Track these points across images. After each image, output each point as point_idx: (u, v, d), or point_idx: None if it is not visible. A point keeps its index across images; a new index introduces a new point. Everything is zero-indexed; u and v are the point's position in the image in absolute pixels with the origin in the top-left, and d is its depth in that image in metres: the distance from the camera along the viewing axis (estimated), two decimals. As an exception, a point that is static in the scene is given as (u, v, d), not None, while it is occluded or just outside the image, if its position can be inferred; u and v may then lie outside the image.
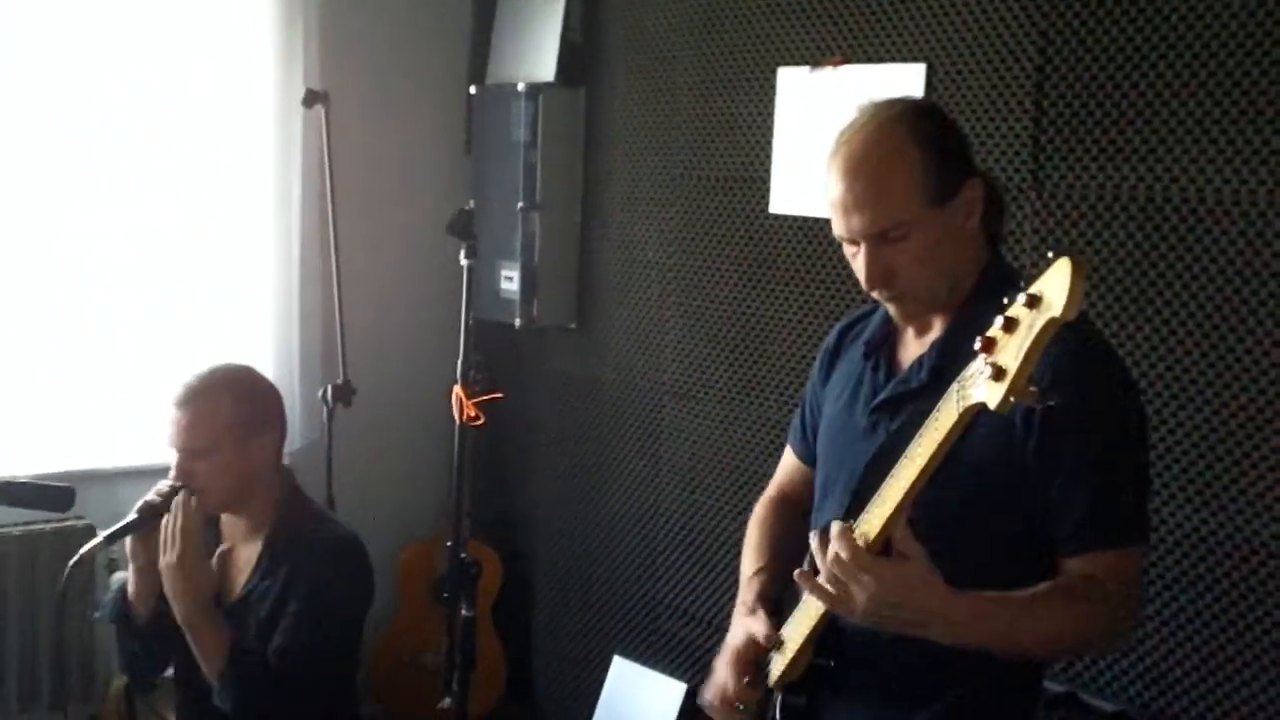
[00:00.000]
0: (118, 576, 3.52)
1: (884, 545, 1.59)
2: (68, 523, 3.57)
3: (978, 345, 1.39)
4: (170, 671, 2.69)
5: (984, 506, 1.74)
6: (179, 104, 3.77)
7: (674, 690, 3.70)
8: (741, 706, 1.94)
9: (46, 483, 2.02)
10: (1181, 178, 2.60)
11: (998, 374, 1.36)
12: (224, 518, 2.59)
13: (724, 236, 3.58)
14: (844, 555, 1.57)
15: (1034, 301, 1.33)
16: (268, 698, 2.42)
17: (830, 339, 2.11)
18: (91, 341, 3.72)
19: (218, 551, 2.58)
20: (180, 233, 3.83)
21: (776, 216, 3.40)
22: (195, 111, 3.79)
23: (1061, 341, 1.40)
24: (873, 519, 1.59)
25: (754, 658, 1.95)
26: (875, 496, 1.61)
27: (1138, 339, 2.69)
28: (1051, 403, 1.39)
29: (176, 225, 3.81)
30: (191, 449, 2.43)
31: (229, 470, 2.46)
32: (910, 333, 1.89)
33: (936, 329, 1.83)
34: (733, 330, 3.57)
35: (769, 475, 2.30)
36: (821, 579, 1.61)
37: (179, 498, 2.42)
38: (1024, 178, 2.85)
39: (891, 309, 1.86)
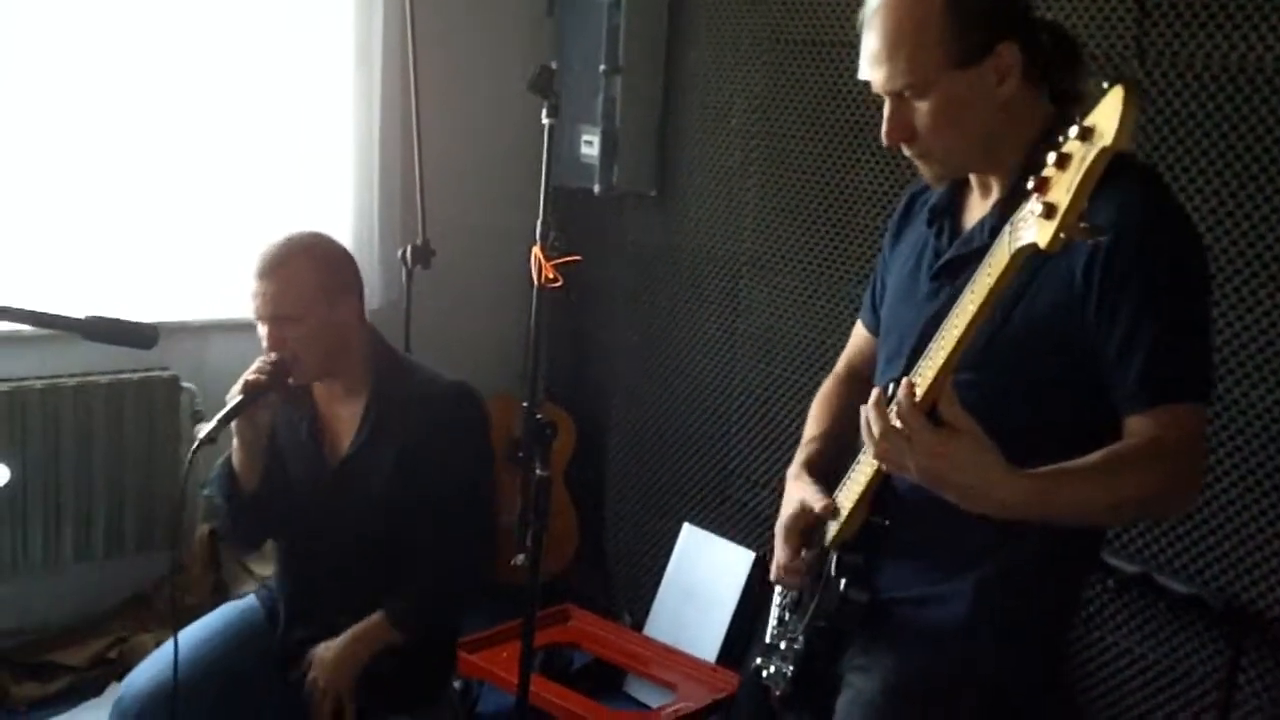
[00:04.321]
0: (201, 430, 3.63)
1: (935, 402, 1.57)
2: (154, 373, 3.65)
3: (1031, 185, 1.35)
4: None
5: (1050, 375, 1.71)
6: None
7: (743, 558, 3.74)
8: (796, 571, 1.95)
9: (131, 320, 2.03)
10: (1295, 48, 2.49)
11: (1048, 212, 1.31)
12: (316, 385, 2.62)
13: (809, 103, 3.50)
14: (898, 414, 1.55)
15: (1086, 134, 1.28)
16: (466, 586, 2.63)
17: (899, 208, 2.09)
18: (179, 199, 3.74)
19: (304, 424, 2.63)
20: (264, 91, 3.82)
21: (865, 83, 3.28)
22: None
23: (1126, 192, 1.35)
24: (925, 372, 1.57)
25: (802, 525, 1.95)
26: (927, 349, 1.58)
27: (1237, 216, 2.60)
28: (1103, 238, 1.35)
29: (261, 84, 3.81)
30: (280, 316, 2.45)
31: (319, 334, 2.48)
32: (974, 196, 1.86)
33: (998, 190, 1.80)
34: (815, 200, 3.51)
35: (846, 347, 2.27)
36: (876, 434, 1.59)
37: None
38: (1127, 45, 2.73)
39: (921, 168, 1.83)
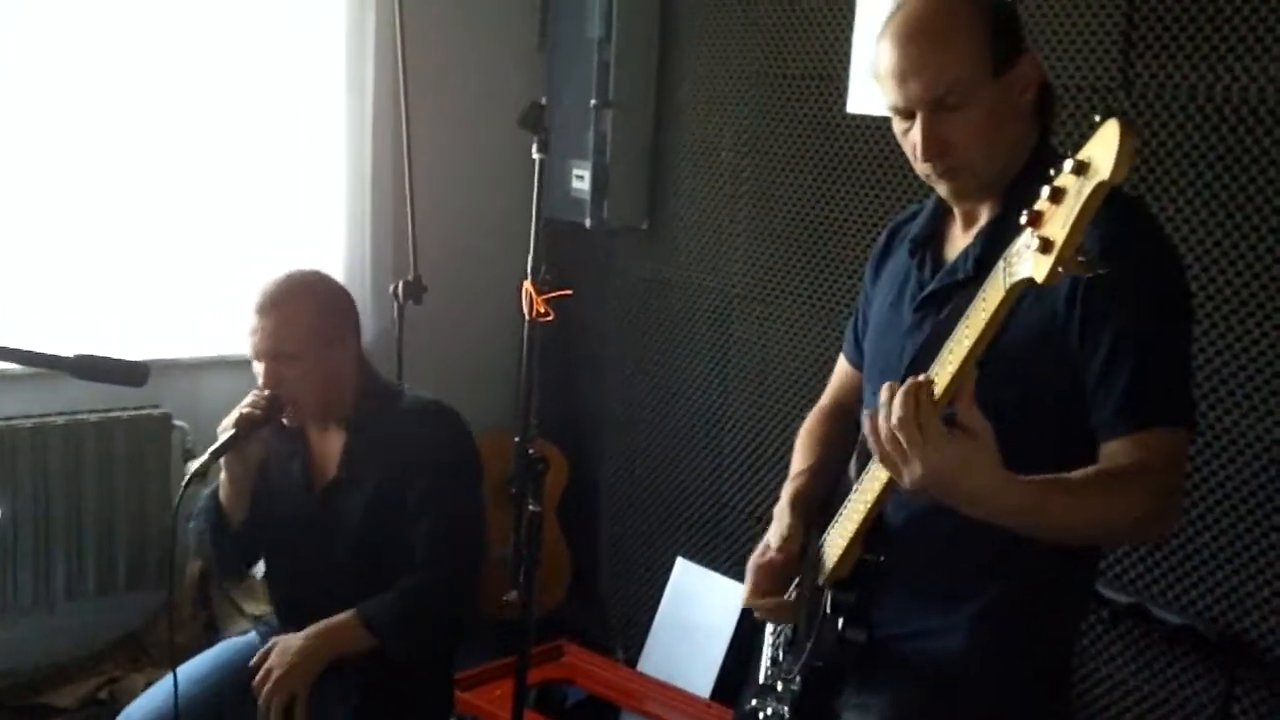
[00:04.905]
0: (191, 465, 3.62)
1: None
2: (144, 411, 3.64)
3: (1024, 219, 1.34)
4: (260, 568, 2.76)
5: (1031, 403, 1.70)
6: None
7: (736, 593, 3.66)
8: (768, 605, 1.97)
9: (120, 358, 2.03)
10: (1279, 78, 2.51)
11: (1045, 246, 1.30)
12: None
13: (799, 137, 3.52)
14: (915, 413, 1.50)
15: (1081, 168, 1.28)
16: (447, 599, 2.54)
17: (880, 241, 2.07)
18: (170, 235, 3.75)
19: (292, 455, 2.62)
20: (256, 127, 3.83)
21: (854, 116, 3.32)
22: (270, 3, 3.77)
23: (1108, 218, 1.36)
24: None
25: (765, 563, 1.97)
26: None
27: (1224, 245, 2.61)
28: (1102, 270, 1.33)
29: (252, 119, 3.82)
30: (279, 353, 2.44)
31: (315, 373, 2.47)
32: (957, 227, 1.86)
33: (982, 219, 1.79)
34: (806, 234, 3.53)
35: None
36: (884, 434, 1.54)
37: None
38: (1113, 77, 2.75)
39: (943, 187, 1.80)
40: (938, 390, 1.51)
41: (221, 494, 2.56)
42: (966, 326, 1.50)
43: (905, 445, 1.51)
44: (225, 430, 2.43)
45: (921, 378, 1.53)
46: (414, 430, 2.56)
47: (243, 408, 2.45)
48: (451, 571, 2.53)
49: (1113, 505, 1.60)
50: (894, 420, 1.52)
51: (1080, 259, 1.30)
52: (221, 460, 2.47)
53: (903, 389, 1.53)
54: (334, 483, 2.56)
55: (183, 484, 2.39)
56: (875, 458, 1.61)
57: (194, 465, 2.40)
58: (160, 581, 3.73)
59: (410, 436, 2.54)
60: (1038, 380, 1.70)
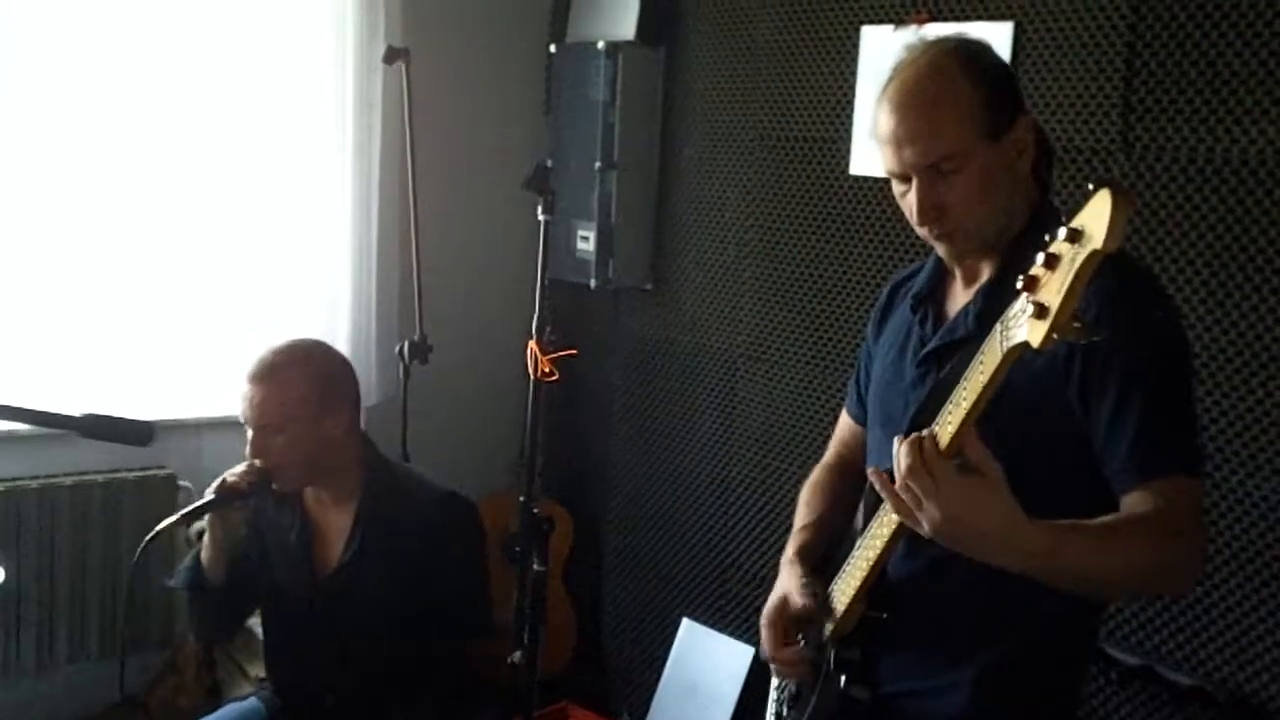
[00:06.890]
0: (196, 528, 3.61)
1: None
2: (150, 472, 3.65)
3: (1020, 284, 1.35)
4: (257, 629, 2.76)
5: (1036, 465, 1.68)
6: (261, 59, 3.80)
7: (742, 654, 3.70)
8: (793, 657, 1.95)
9: (127, 418, 2.04)
10: (1278, 139, 2.53)
11: (1040, 312, 1.32)
12: (307, 492, 2.61)
13: (803, 198, 3.54)
14: (922, 460, 1.51)
15: (1075, 235, 1.29)
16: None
17: (881, 297, 2.09)
18: (176, 297, 3.77)
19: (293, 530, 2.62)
20: (262, 189, 3.87)
21: (857, 178, 3.35)
22: (278, 67, 3.82)
23: (1103, 276, 1.37)
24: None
25: (784, 616, 1.96)
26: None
27: (1227, 306, 2.62)
28: (1096, 338, 1.35)
29: (259, 182, 3.86)
30: (264, 424, 2.45)
31: (302, 446, 2.47)
32: (958, 283, 1.87)
33: (984, 276, 1.81)
34: (810, 294, 3.54)
35: (843, 439, 2.27)
36: (898, 485, 1.54)
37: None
38: (1113, 139, 2.78)
39: (941, 248, 1.83)
40: (943, 443, 1.52)
41: (202, 554, 2.56)
42: (965, 389, 1.51)
43: (919, 493, 1.51)
44: (208, 494, 2.44)
45: (926, 431, 1.53)
46: (430, 526, 2.53)
47: (229, 475, 2.45)
48: (469, 668, 2.56)
49: (1133, 549, 1.58)
50: (904, 468, 1.53)
51: (1075, 324, 1.31)
52: (206, 521, 2.48)
53: (909, 440, 1.53)
54: (340, 568, 2.54)
55: (145, 540, 2.38)
56: (889, 509, 1.61)
57: (161, 525, 2.40)
58: (163, 642, 3.71)
59: (425, 533, 2.52)
60: (1048, 438, 1.70)
